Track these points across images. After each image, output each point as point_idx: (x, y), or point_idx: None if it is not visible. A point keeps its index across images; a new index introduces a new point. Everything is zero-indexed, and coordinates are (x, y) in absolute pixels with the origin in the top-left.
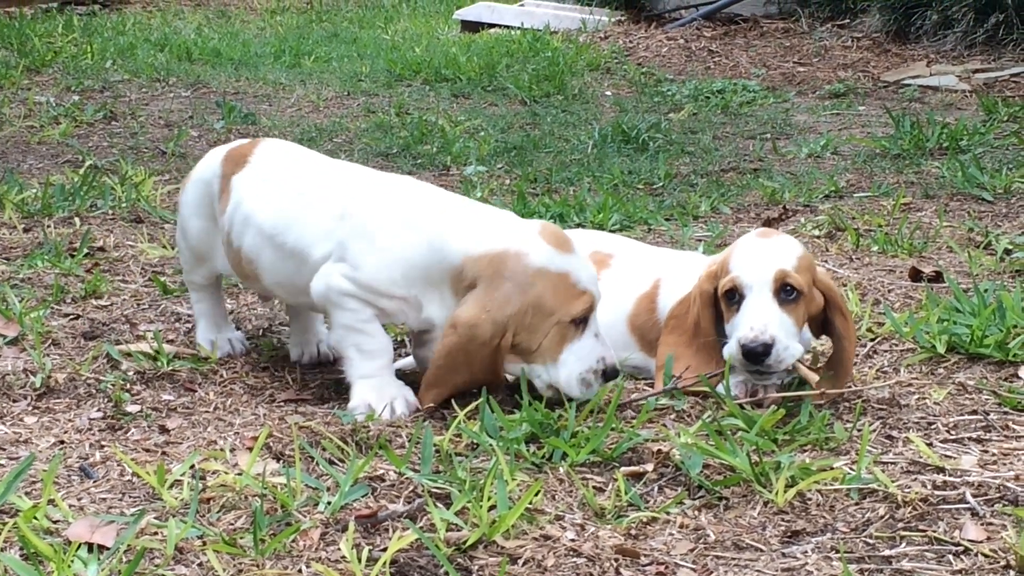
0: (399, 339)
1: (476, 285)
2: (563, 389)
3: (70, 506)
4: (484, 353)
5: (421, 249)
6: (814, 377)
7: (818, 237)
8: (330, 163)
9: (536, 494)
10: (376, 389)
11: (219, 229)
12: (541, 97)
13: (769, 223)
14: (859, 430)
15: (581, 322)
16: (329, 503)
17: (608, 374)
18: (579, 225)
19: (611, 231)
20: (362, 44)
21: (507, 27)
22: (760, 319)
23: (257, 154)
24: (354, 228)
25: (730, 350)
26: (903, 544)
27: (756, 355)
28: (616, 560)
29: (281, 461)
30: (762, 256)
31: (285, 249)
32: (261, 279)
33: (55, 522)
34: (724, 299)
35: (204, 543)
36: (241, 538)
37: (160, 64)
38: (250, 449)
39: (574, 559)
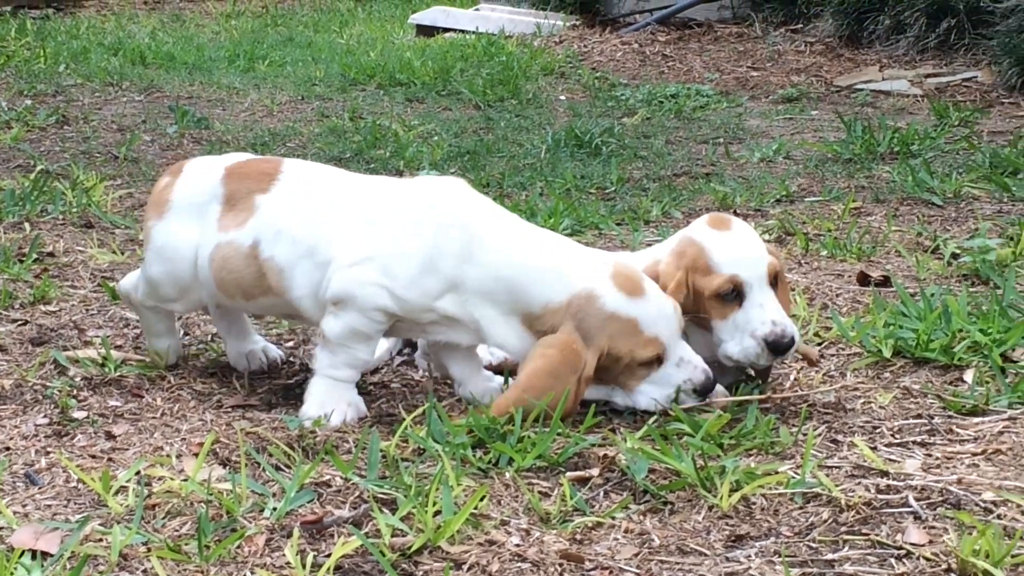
0: None
1: (556, 329)
2: (642, 408)
3: (15, 513)
4: (570, 380)
5: (490, 283)
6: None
7: (768, 241)
8: (371, 179)
9: (481, 499)
10: (337, 394)
11: (217, 246)
12: (495, 101)
13: None
14: (804, 434)
15: (655, 361)
16: (275, 509)
17: (700, 391)
18: None
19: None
20: (317, 48)
21: (462, 31)
22: (778, 312)
23: (286, 171)
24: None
25: (742, 347)
26: (846, 548)
27: (786, 348)
28: (561, 565)
29: (227, 467)
30: (747, 251)
31: (324, 262)
32: (288, 291)
33: None
34: (716, 299)
35: (149, 549)
36: (186, 544)
37: (114, 68)
38: (196, 455)
39: (519, 564)
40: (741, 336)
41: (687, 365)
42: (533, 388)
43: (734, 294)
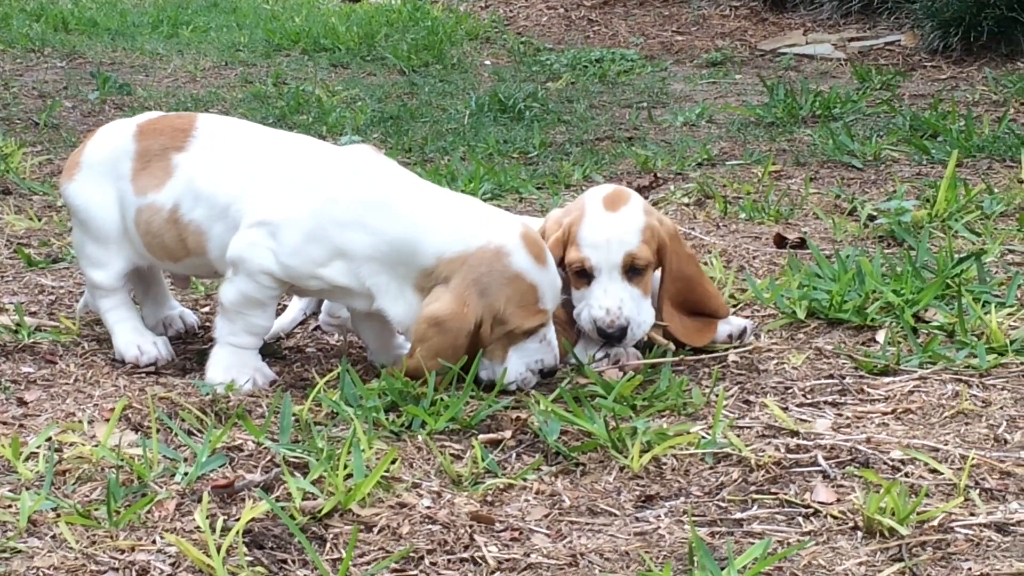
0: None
1: (449, 280)
2: (505, 383)
3: None
4: (467, 343)
5: (383, 248)
6: (665, 342)
7: (687, 205)
8: (281, 135)
9: (393, 462)
10: (240, 362)
11: (138, 209)
12: (420, 67)
13: (640, 191)
14: (716, 395)
15: (532, 333)
16: (186, 474)
17: (545, 373)
18: None
19: (483, 200)
20: (241, 14)
21: None
22: (614, 301)
23: (201, 128)
24: (309, 213)
25: (585, 323)
26: (754, 507)
27: (612, 336)
28: (471, 527)
29: (139, 432)
30: (610, 238)
31: (238, 221)
32: (208, 252)
33: None
34: (571, 272)
35: (58, 515)
36: (96, 510)
37: (35, 34)
38: (108, 420)
39: (429, 526)
40: (584, 310)
41: (546, 345)
42: (424, 372)
43: (584, 272)
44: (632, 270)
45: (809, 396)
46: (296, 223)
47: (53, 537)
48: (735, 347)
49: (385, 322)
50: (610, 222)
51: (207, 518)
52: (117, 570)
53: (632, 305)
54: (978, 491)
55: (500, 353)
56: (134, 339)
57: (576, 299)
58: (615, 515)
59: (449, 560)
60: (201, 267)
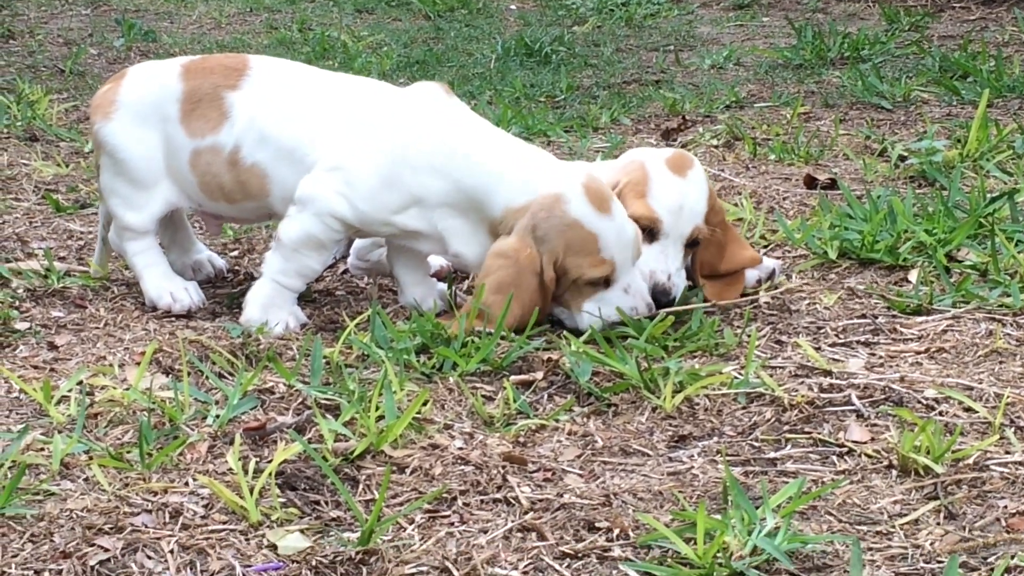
0: None
1: (513, 230)
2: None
3: None
4: (534, 284)
5: (457, 196)
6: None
7: (716, 146)
8: (341, 77)
9: (425, 403)
10: (281, 301)
11: (194, 151)
12: (445, 12)
13: (668, 133)
14: (748, 335)
15: (602, 283)
16: (217, 416)
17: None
18: None
19: None
20: None
21: None
22: (674, 266)
23: (255, 68)
24: (386, 161)
25: None
26: (788, 446)
27: (658, 303)
28: (503, 467)
29: (170, 375)
30: (684, 205)
31: (304, 164)
32: (270, 195)
33: None
34: None
35: (90, 458)
36: (128, 452)
37: None
38: (139, 364)
39: (462, 467)
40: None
41: (635, 294)
42: (495, 303)
43: (648, 232)
44: (692, 243)
45: (842, 336)
46: (372, 170)
47: (86, 480)
48: (766, 289)
49: (420, 257)
50: (682, 187)
51: (239, 460)
52: (150, 512)
53: (682, 275)
54: (1013, 429)
55: (577, 303)
56: (165, 285)
57: None
58: (648, 455)
59: (482, 500)
60: (255, 211)
